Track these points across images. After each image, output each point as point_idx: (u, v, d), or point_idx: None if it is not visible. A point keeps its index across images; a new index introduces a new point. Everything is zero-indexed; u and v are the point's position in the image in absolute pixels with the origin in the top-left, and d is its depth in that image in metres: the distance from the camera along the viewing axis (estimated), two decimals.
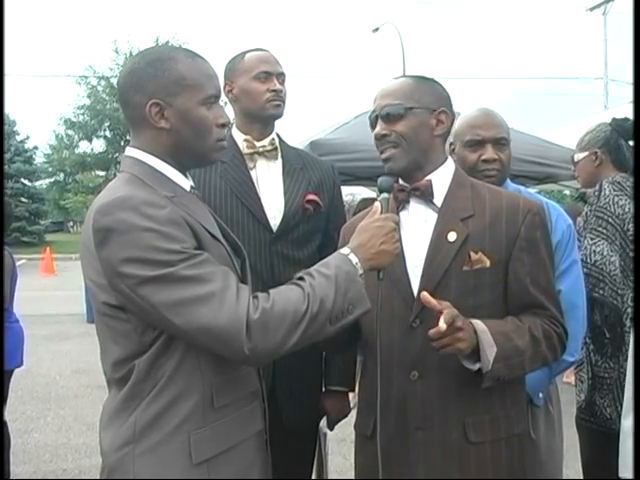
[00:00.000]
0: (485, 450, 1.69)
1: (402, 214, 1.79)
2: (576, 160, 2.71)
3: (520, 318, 1.71)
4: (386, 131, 1.75)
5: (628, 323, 2.30)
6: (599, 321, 2.34)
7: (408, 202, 1.79)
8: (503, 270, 1.70)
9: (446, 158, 1.83)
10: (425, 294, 1.58)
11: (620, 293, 2.30)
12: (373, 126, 1.79)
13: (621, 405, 2.24)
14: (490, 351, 1.60)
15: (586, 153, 2.63)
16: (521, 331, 1.67)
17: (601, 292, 2.31)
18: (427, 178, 1.77)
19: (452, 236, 1.71)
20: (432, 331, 1.53)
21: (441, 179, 1.78)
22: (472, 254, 1.69)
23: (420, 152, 1.76)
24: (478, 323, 1.62)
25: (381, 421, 1.68)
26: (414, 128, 1.74)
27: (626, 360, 1.70)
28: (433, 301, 1.57)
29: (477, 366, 1.62)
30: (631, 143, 2.58)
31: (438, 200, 1.76)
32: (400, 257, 1.72)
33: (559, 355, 1.79)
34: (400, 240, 1.72)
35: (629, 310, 2.31)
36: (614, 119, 2.64)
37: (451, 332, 1.54)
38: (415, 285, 1.72)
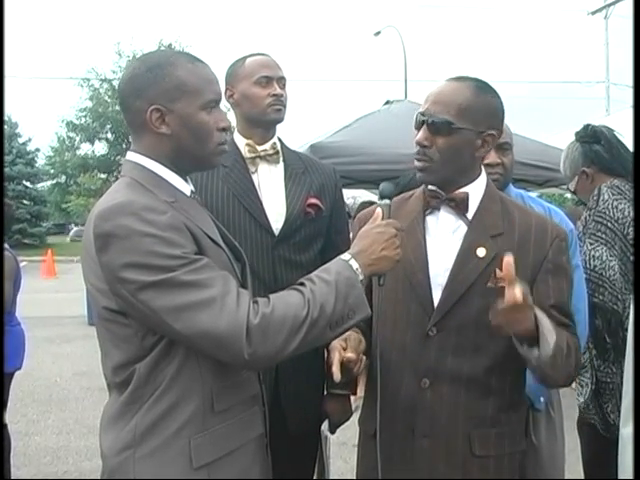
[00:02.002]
0: (488, 464, 1.68)
1: (430, 219, 1.76)
2: (573, 189, 2.72)
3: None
4: (427, 142, 1.69)
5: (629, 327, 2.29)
6: (601, 326, 2.33)
7: (438, 209, 1.75)
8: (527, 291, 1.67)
9: (480, 172, 1.78)
10: (510, 260, 1.49)
11: (620, 298, 2.29)
12: (417, 127, 1.72)
13: None
14: (550, 336, 1.54)
15: (576, 178, 2.64)
16: (561, 334, 1.61)
17: (601, 297, 2.30)
18: (463, 190, 1.73)
19: (481, 252, 1.68)
20: (505, 302, 1.45)
21: (475, 192, 1.75)
22: (498, 271, 1.64)
23: (455, 170, 1.72)
24: (537, 310, 1.56)
25: (386, 423, 1.68)
26: (457, 148, 1.68)
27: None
28: (512, 271, 1.48)
29: (535, 352, 1.54)
30: (627, 141, 2.60)
31: (469, 213, 1.74)
32: (424, 262, 1.71)
33: (574, 374, 1.73)
34: (425, 245, 1.73)
35: (629, 313, 2.30)
36: (576, 133, 2.67)
37: (520, 309, 1.47)
38: (436, 293, 1.70)
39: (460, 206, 1.73)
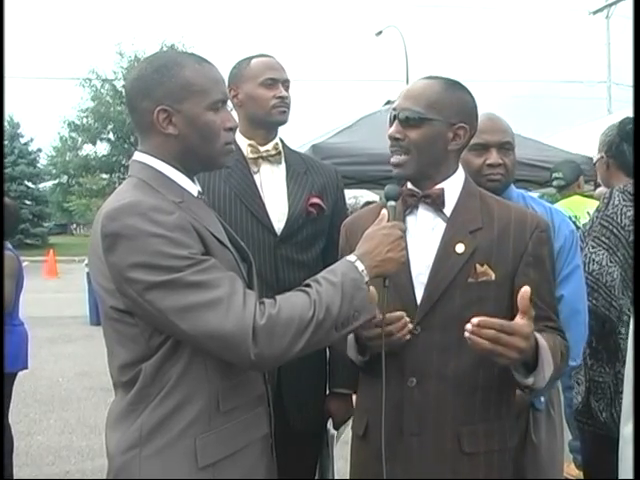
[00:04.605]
0: (479, 461, 1.68)
1: (409, 219, 1.78)
2: (594, 161, 2.75)
3: (545, 335, 1.66)
4: (400, 135, 1.72)
5: (623, 331, 2.27)
6: (594, 329, 2.32)
7: (417, 208, 1.77)
8: (509, 284, 1.69)
9: (457, 168, 1.81)
10: (527, 290, 1.50)
11: (615, 305, 2.27)
12: (391, 124, 1.76)
13: (616, 410, 2.23)
14: (548, 369, 1.58)
15: (599, 155, 2.66)
16: (557, 349, 1.65)
17: (595, 302, 2.28)
18: (439, 186, 1.76)
19: (460, 248, 1.70)
20: (490, 331, 1.45)
21: (452, 188, 1.77)
22: (478, 266, 1.68)
23: (430, 163, 1.74)
24: (540, 338, 1.58)
25: (375, 423, 1.68)
26: (428, 139, 1.71)
27: (623, 365, 1.68)
28: (528, 303, 1.50)
29: (530, 380, 1.58)
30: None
31: (447, 209, 1.75)
32: (405, 263, 1.71)
33: (560, 375, 1.81)
34: (405, 245, 1.72)
35: (625, 318, 2.28)
36: (621, 121, 2.64)
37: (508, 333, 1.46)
38: (418, 292, 1.71)
39: (437, 202, 1.75)
